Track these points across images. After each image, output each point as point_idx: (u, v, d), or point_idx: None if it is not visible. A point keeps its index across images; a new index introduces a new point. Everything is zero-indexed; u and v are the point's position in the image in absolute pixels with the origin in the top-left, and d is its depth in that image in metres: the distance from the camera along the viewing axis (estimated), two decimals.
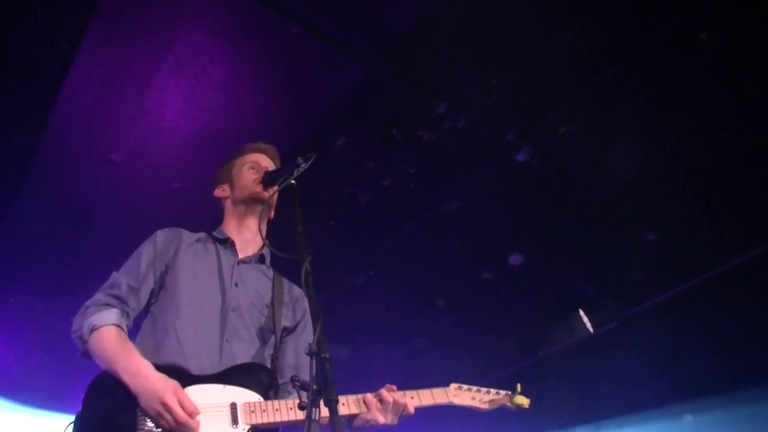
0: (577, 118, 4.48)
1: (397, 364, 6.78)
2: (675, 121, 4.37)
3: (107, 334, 2.47)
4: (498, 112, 4.46)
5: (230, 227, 2.95)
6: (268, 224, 3.01)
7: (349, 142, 4.80)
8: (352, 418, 2.56)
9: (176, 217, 2.97)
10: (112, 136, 4.70)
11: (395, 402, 2.56)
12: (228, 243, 2.89)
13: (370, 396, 2.57)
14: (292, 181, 2.55)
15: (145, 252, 2.75)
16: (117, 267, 2.73)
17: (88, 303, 2.60)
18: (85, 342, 2.49)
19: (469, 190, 5.12)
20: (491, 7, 3.87)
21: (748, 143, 4.40)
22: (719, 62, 3.98)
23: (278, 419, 2.41)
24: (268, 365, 2.64)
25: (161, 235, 2.83)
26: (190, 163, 4.87)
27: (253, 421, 2.39)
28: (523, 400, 2.86)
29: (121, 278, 2.66)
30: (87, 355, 2.51)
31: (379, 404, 2.55)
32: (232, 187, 3.01)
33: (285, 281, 2.93)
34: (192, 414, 2.31)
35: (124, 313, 2.60)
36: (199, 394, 2.38)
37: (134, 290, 2.65)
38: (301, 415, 1.96)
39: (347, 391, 2.55)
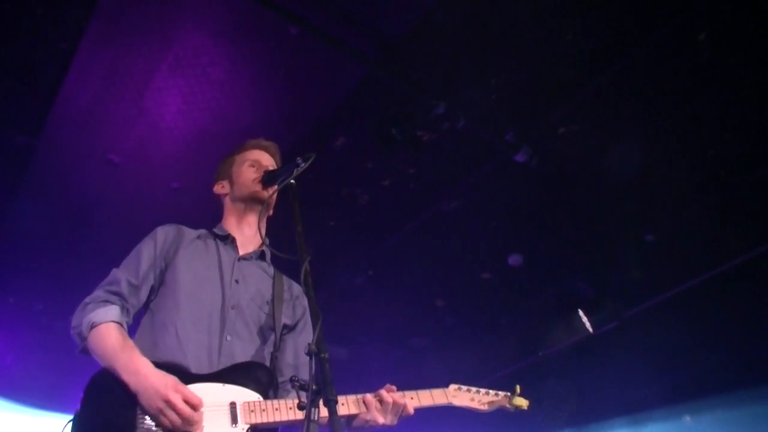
0: (577, 118, 4.48)
1: (397, 365, 6.78)
2: (675, 121, 4.37)
3: (106, 332, 2.46)
4: (497, 113, 4.46)
5: (230, 224, 2.95)
6: (267, 222, 3.01)
7: (348, 143, 4.80)
8: (351, 418, 2.56)
9: (175, 217, 2.96)
10: (111, 136, 4.70)
11: (395, 402, 2.56)
12: (228, 240, 2.88)
13: (369, 396, 2.57)
14: (292, 181, 2.56)
15: (145, 249, 2.75)
16: (116, 267, 2.72)
17: (87, 300, 2.59)
18: (84, 339, 2.48)
19: (468, 190, 5.12)
20: (491, 7, 3.87)
21: (748, 143, 4.39)
22: (718, 62, 3.98)
23: (278, 419, 2.41)
24: (268, 364, 2.63)
25: (161, 232, 2.82)
26: (189, 163, 4.87)
27: (253, 421, 2.38)
28: (522, 402, 2.86)
29: (120, 275, 2.65)
30: (85, 351, 2.50)
31: (378, 405, 2.55)
32: (231, 184, 3.01)
33: (285, 278, 2.93)
34: (196, 407, 2.31)
35: (124, 310, 2.59)
36: (198, 392, 2.37)
37: (134, 287, 2.64)
38: (300, 415, 1.96)
39: (347, 392, 2.55)
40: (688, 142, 4.48)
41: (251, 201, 2.91)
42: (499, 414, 2.93)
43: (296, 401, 2.11)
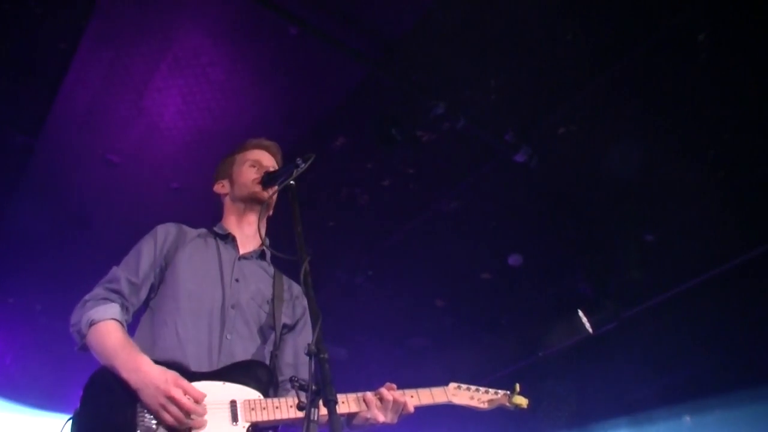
0: (576, 118, 4.48)
1: (397, 365, 6.78)
2: (675, 121, 4.37)
3: (106, 329, 2.46)
4: (497, 113, 4.46)
5: (230, 223, 2.95)
6: (267, 222, 3.01)
7: (348, 143, 4.80)
8: (351, 416, 2.57)
9: (175, 217, 2.96)
10: (110, 136, 4.70)
11: (395, 401, 2.56)
12: (229, 238, 2.89)
13: (370, 394, 2.57)
14: (291, 182, 2.57)
15: (145, 247, 2.75)
16: (116, 265, 2.72)
17: (86, 297, 2.58)
18: (83, 336, 2.48)
19: (468, 190, 5.12)
20: (491, 7, 3.87)
21: (748, 143, 4.40)
22: (718, 62, 3.98)
23: (278, 417, 2.41)
24: (268, 362, 2.63)
25: (161, 230, 2.82)
26: (188, 163, 4.87)
27: (254, 419, 2.38)
28: (521, 400, 2.87)
29: (120, 273, 2.65)
30: (84, 349, 2.49)
31: (379, 403, 2.56)
32: (231, 183, 3.01)
33: (285, 278, 2.93)
34: (198, 400, 2.31)
35: (124, 308, 2.59)
36: None
37: (134, 285, 2.64)
38: (301, 414, 1.96)
39: (346, 392, 2.56)
40: (688, 142, 4.48)
41: (251, 201, 2.92)
42: (498, 414, 2.94)
43: (296, 401, 2.11)
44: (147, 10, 3.91)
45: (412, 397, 2.64)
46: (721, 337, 5.22)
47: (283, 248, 2.62)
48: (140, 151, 4.81)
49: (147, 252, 2.73)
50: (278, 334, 2.74)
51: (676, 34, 3.89)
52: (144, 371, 2.33)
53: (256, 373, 2.52)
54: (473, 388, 2.84)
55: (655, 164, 4.62)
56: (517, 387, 2.86)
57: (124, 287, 2.62)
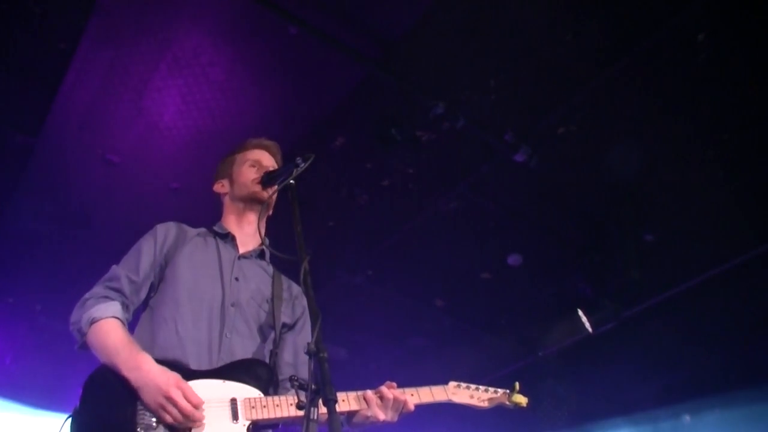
0: (576, 118, 4.48)
1: (396, 364, 6.78)
2: (674, 121, 4.38)
3: (107, 327, 2.45)
4: (496, 113, 4.47)
5: (230, 222, 2.96)
6: (267, 222, 3.01)
7: (347, 143, 4.80)
8: (351, 414, 2.57)
9: (175, 217, 2.96)
10: (110, 135, 4.70)
11: (395, 399, 2.57)
12: (228, 238, 2.89)
13: (370, 393, 2.57)
14: (291, 182, 2.57)
15: (145, 245, 2.75)
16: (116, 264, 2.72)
17: (87, 295, 2.58)
18: (83, 335, 2.47)
19: (467, 190, 5.12)
20: (490, 7, 3.87)
21: (748, 143, 4.40)
22: (719, 62, 3.98)
23: (278, 415, 2.41)
24: (267, 361, 2.64)
25: (161, 229, 2.83)
26: (188, 163, 4.87)
27: (254, 417, 2.38)
28: (521, 399, 2.87)
29: (120, 271, 2.65)
30: (85, 347, 2.49)
31: (379, 401, 2.56)
32: (231, 183, 3.01)
33: (284, 278, 2.93)
34: (197, 406, 2.30)
35: (124, 306, 2.59)
36: (198, 389, 2.36)
37: (134, 283, 2.64)
38: (301, 413, 1.96)
39: (346, 391, 2.55)
40: (688, 142, 4.48)
41: (251, 201, 2.92)
42: (498, 414, 2.94)
43: (296, 399, 2.11)
44: (147, 10, 3.91)
45: (412, 395, 2.64)
46: (721, 337, 5.23)
47: (282, 248, 2.62)
48: (140, 151, 4.81)
49: (147, 251, 2.73)
50: (278, 333, 2.74)
51: (676, 34, 3.89)
52: (145, 370, 2.33)
53: (256, 372, 2.52)
54: (473, 386, 2.84)
55: (655, 164, 4.63)
56: (517, 386, 2.87)
57: (125, 285, 2.61)
